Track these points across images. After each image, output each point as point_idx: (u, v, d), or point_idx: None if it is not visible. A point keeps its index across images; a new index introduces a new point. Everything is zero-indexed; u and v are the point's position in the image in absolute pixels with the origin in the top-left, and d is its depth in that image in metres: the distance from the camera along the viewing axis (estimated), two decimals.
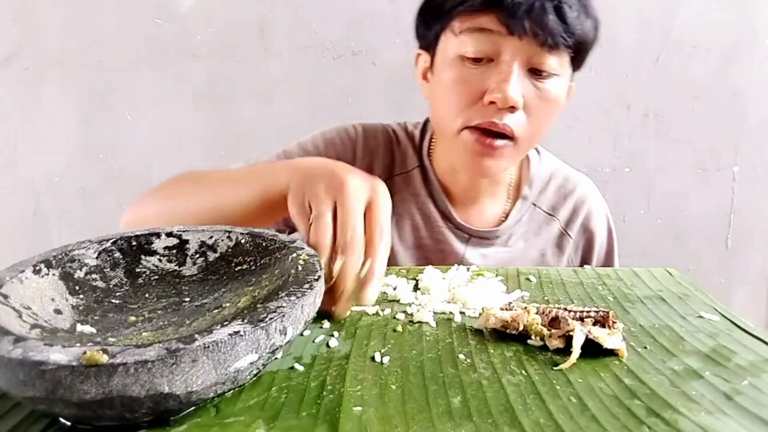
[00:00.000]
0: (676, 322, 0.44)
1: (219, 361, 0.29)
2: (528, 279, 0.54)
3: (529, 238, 0.80)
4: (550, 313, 0.41)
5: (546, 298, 0.50)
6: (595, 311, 0.40)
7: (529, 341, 0.40)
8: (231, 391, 0.32)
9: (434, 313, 0.46)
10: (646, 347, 0.40)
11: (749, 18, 1.30)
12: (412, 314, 0.46)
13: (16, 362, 0.26)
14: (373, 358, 0.37)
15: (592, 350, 0.37)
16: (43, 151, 1.35)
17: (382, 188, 0.47)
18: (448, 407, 0.31)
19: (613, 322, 0.39)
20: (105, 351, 0.26)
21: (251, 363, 0.30)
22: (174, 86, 1.31)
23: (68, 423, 0.30)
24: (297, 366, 0.36)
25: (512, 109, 0.64)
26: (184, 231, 0.47)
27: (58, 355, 0.26)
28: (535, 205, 0.81)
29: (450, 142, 0.70)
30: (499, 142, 0.66)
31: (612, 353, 0.38)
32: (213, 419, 0.30)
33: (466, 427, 0.29)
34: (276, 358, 0.34)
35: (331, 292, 0.42)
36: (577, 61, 0.69)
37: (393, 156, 0.80)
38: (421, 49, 0.75)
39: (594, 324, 0.39)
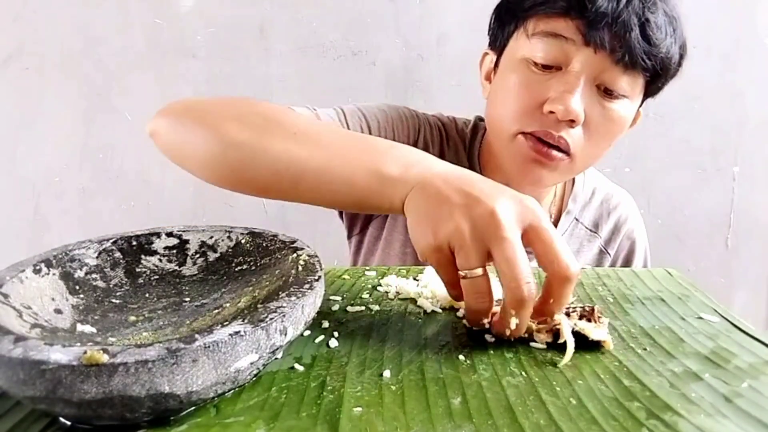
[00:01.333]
0: (676, 324, 0.44)
1: (219, 361, 0.29)
2: None
3: None
4: None
5: None
6: (581, 307, 0.41)
7: (531, 344, 0.40)
8: (231, 391, 0.32)
9: (434, 311, 0.46)
10: (645, 349, 0.40)
11: (749, 18, 1.30)
12: (417, 302, 0.46)
13: (16, 361, 0.26)
14: (373, 358, 0.37)
15: (580, 345, 0.38)
16: (43, 151, 1.35)
17: (537, 206, 0.39)
18: (448, 408, 0.31)
19: (599, 317, 0.40)
20: (105, 350, 0.26)
21: (251, 363, 0.30)
22: (174, 86, 1.31)
23: (68, 422, 0.30)
24: (297, 366, 0.36)
25: (571, 123, 0.60)
26: (184, 231, 0.47)
27: (59, 355, 0.26)
28: (577, 220, 0.79)
29: (503, 147, 0.67)
30: (556, 153, 0.62)
31: (598, 346, 0.39)
32: (213, 419, 0.30)
33: (466, 428, 0.29)
34: (276, 358, 0.34)
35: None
36: (652, 87, 0.64)
37: (443, 154, 0.75)
38: (489, 49, 0.71)
39: (580, 318, 0.40)
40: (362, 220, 0.79)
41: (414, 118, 0.75)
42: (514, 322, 0.37)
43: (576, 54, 0.59)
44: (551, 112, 0.60)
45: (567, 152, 0.62)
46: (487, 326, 0.41)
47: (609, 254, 0.80)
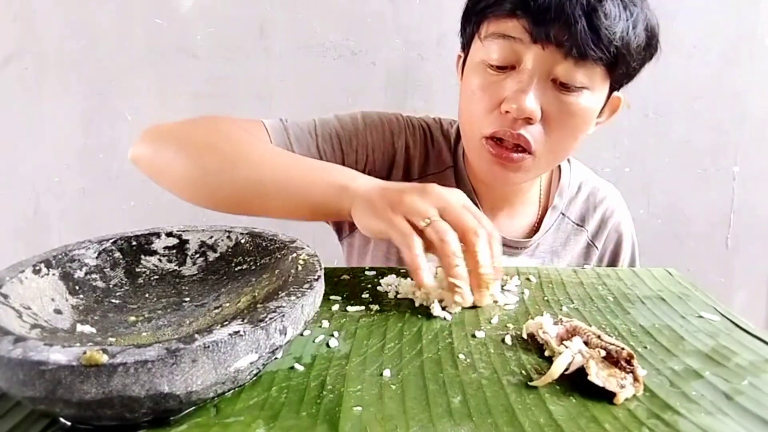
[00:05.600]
0: (676, 322, 0.44)
1: (219, 361, 0.29)
2: (528, 279, 0.54)
3: (556, 249, 0.78)
4: (574, 330, 0.39)
5: (546, 298, 0.50)
6: (615, 345, 0.36)
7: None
8: (231, 391, 0.32)
9: (434, 310, 0.46)
10: (646, 347, 0.40)
11: (749, 18, 1.30)
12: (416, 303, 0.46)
13: (16, 362, 0.26)
14: (373, 358, 0.37)
15: (589, 388, 0.33)
16: (43, 151, 1.35)
17: (440, 190, 0.49)
18: (448, 407, 0.31)
19: (626, 366, 0.34)
20: (105, 351, 0.26)
21: (251, 363, 0.30)
22: (174, 86, 1.31)
23: (68, 423, 0.30)
24: (297, 366, 0.36)
25: (529, 120, 0.61)
26: (184, 231, 0.47)
27: (58, 355, 0.26)
28: (564, 214, 0.79)
29: (471, 151, 0.69)
30: (516, 155, 0.63)
31: (609, 396, 0.33)
32: (213, 419, 0.30)
33: (465, 427, 0.29)
34: (276, 358, 0.34)
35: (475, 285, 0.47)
36: (618, 73, 0.62)
37: (428, 154, 0.78)
38: (461, 51, 0.72)
39: (605, 357, 0.35)
40: (350, 222, 0.78)
41: (393, 123, 0.76)
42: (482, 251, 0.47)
43: (526, 52, 0.59)
44: (507, 112, 0.61)
45: (528, 151, 0.63)
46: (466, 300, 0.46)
47: (596, 247, 0.80)
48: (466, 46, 0.69)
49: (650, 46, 0.62)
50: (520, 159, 0.63)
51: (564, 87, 0.60)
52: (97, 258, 0.43)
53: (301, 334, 0.37)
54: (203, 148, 0.60)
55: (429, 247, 0.47)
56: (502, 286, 0.52)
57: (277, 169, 0.57)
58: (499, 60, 0.61)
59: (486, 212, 0.75)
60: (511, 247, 0.75)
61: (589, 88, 0.61)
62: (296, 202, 0.56)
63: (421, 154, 0.76)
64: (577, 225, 0.79)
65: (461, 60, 0.72)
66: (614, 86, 0.65)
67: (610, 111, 0.69)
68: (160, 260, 0.46)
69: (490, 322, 0.44)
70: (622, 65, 0.61)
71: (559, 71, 0.59)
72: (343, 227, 0.80)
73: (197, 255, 0.46)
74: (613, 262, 0.81)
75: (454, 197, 0.49)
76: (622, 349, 0.35)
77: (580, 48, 0.57)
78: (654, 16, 0.62)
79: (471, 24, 0.66)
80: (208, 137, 0.61)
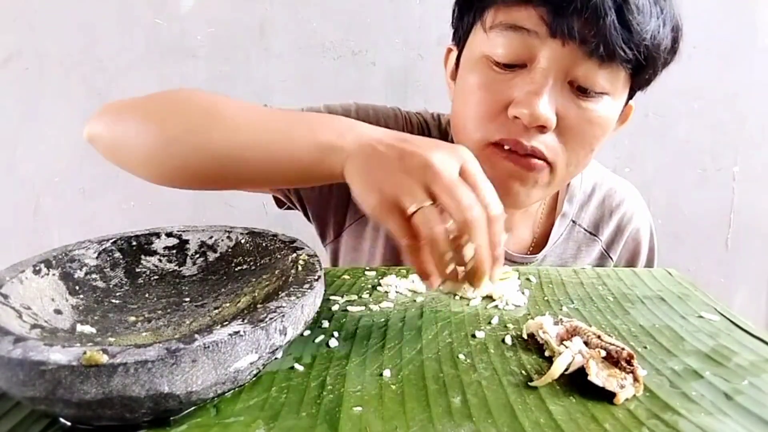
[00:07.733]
0: (676, 322, 0.44)
1: (219, 361, 0.29)
2: (528, 279, 0.54)
3: (566, 261, 0.71)
4: (574, 330, 0.39)
5: (546, 298, 0.50)
6: (615, 345, 0.36)
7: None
8: (231, 391, 0.32)
9: (434, 310, 0.46)
10: (646, 347, 0.40)
11: (749, 18, 1.30)
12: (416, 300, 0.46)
13: (16, 362, 0.26)
14: (373, 358, 0.37)
15: (590, 387, 0.33)
16: (43, 151, 1.35)
17: (466, 151, 0.41)
18: (448, 407, 0.31)
19: (627, 366, 0.34)
20: (105, 351, 0.26)
21: (251, 363, 0.30)
22: (174, 86, 1.31)
23: (68, 423, 0.30)
24: (297, 366, 0.36)
25: (542, 128, 0.52)
26: (184, 231, 0.47)
27: (58, 355, 0.26)
28: (575, 222, 0.71)
29: None
30: (536, 161, 0.54)
31: (608, 397, 0.33)
32: (213, 419, 0.30)
33: (465, 427, 0.29)
34: (276, 358, 0.34)
35: (466, 278, 0.39)
36: (639, 78, 0.55)
37: None
38: (452, 44, 0.63)
39: (605, 358, 0.35)
40: (334, 228, 0.73)
41: (390, 117, 0.70)
42: (470, 248, 0.38)
43: (541, 48, 0.51)
44: (516, 118, 0.52)
45: (546, 160, 0.55)
46: (441, 287, 0.41)
47: (611, 258, 0.73)
48: (462, 38, 0.60)
49: (674, 50, 0.55)
50: (541, 167, 0.54)
51: (582, 92, 0.53)
52: (97, 258, 0.43)
53: (301, 334, 0.37)
54: (168, 114, 0.51)
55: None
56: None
57: (253, 128, 0.48)
58: (508, 56, 0.52)
59: None
60: (514, 262, 0.69)
61: (611, 94, 0.54)
62: (280, 168, 0.47)
63: None
64: (590, 233, 0.72)
65: (453, 54, 0.63)
66: (631, 94, 0.58)
67: (621, 121, 0.62)
68: (160, 260, 0.46)
69: (490, 322, 0.44)
70: (648, 69, 0.53)
71: (578, 73, 0.51)
72: (327, 232, 0.73)
73: (197, 255, 0.46)
74: None
75: (446, 170, 0.39)
76: (622, 349, 0.35)
77: (609, 47, 0.49)
78: (679, 14, 0.54)
79: (472, 11, 0.57)
80: (172, 103, 0.53)
